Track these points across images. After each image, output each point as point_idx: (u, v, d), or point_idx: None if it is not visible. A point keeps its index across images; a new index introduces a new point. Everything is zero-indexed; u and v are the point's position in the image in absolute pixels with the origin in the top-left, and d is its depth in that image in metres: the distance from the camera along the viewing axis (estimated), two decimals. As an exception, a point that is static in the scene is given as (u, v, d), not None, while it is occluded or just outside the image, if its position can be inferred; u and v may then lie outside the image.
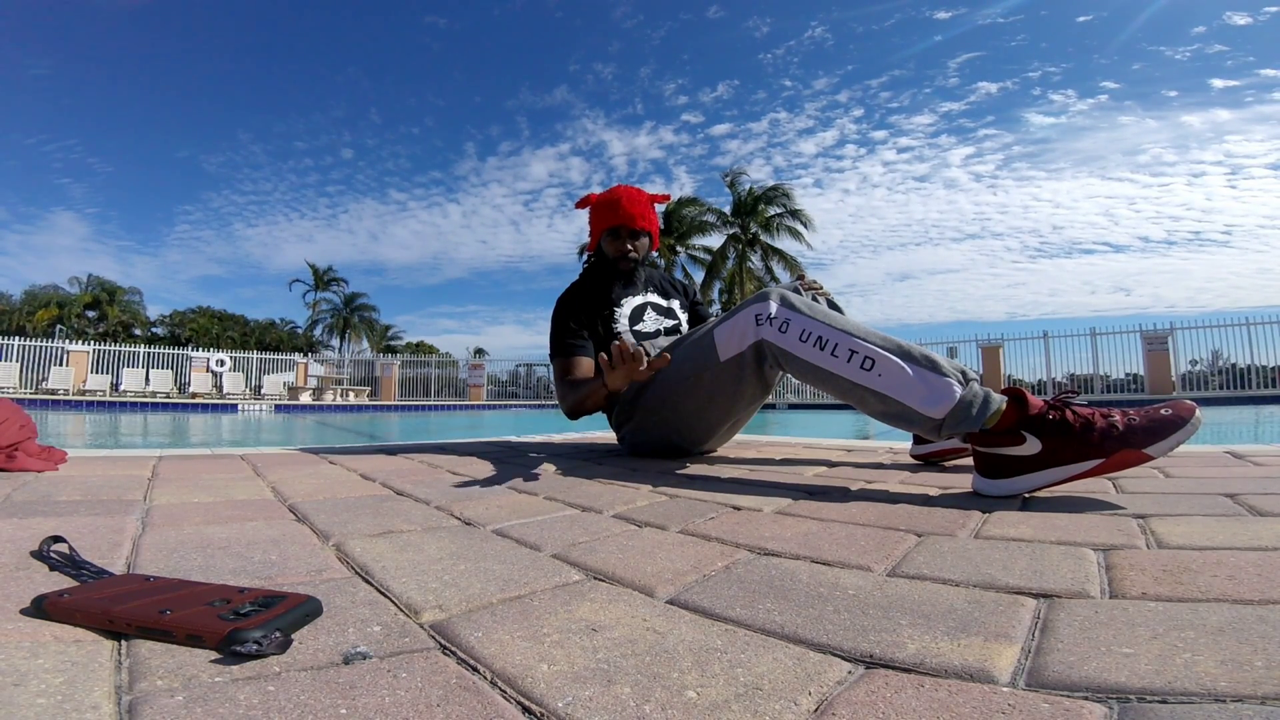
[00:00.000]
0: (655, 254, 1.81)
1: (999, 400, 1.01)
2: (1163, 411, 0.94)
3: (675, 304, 1.85)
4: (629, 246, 1.71)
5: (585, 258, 1.88)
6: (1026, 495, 0.98)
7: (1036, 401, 0.99)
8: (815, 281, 1.51)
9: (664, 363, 1.28)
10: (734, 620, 0.49)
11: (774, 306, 1.25)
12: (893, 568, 0.62)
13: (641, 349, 1.27)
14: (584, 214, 1.83)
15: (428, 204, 67.43)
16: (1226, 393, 13.10)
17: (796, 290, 1.41)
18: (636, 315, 1.72)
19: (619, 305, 1.72)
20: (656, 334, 1.73)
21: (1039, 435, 0.96)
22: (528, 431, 2.15)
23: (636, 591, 0.56)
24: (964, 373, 1.06)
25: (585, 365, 1.67)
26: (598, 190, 1.80)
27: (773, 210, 22.78)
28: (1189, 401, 0.95)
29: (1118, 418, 0.94)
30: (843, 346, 1.12)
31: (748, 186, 23.15)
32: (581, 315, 1.71)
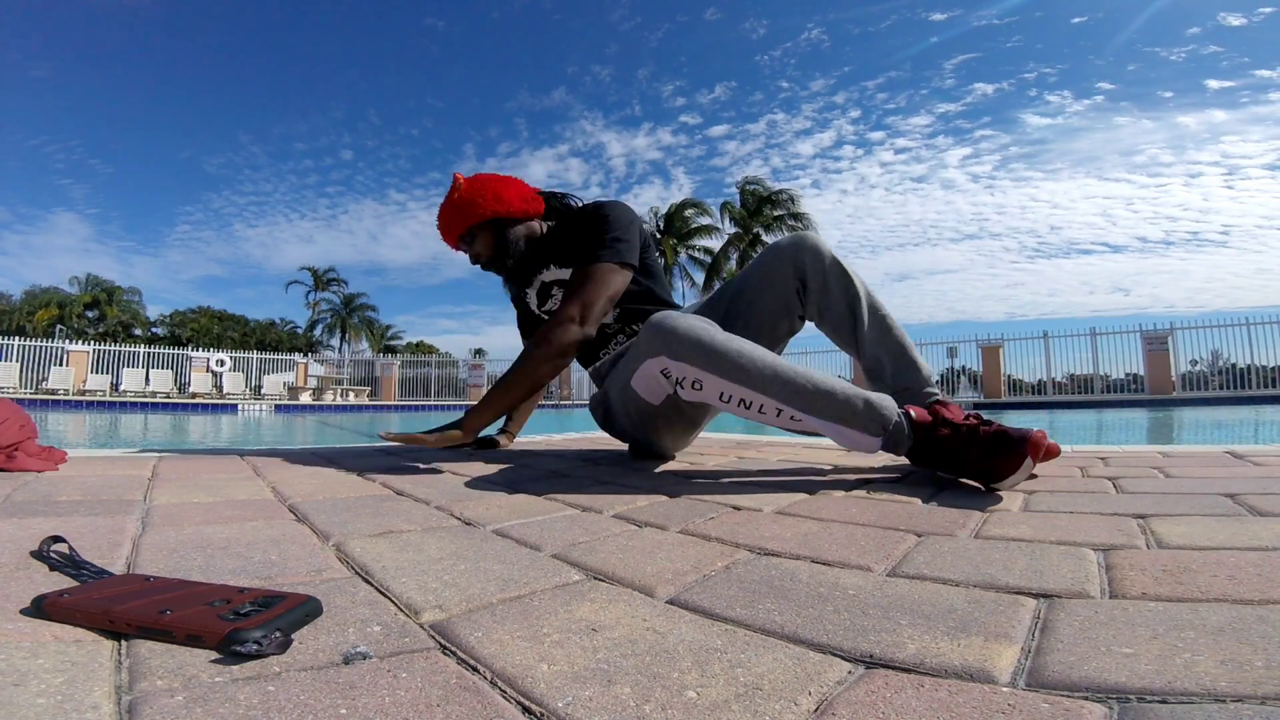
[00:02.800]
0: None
1: (906, 422, 1.09)
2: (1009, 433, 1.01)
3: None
4: (468, 253, 1.66)
5: None
6: (1026, 494, 0.98)
7: (925, 416, 1.09)
8: None
9: (449, 441, 1.38)
10: (734, 620, 0.49)
11: (671, 365, 1.13)
12: (893, 568, 0.62)
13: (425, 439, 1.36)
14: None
15: (427, 204, 67.47)
16: (1226, 393, 13.10)
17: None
18: (543, 296, 1.67)
19: (525, 291, 1.69)
20: None
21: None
22: (528, 431, 2.15)
23: (636, 591, 0.56)
24: (880, 409, 1.07)
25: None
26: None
27: (777, 211, 22.77)
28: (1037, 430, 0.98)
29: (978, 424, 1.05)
30: (769, 406, 1.10)
31: (752, 189, 23.14)
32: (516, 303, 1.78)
